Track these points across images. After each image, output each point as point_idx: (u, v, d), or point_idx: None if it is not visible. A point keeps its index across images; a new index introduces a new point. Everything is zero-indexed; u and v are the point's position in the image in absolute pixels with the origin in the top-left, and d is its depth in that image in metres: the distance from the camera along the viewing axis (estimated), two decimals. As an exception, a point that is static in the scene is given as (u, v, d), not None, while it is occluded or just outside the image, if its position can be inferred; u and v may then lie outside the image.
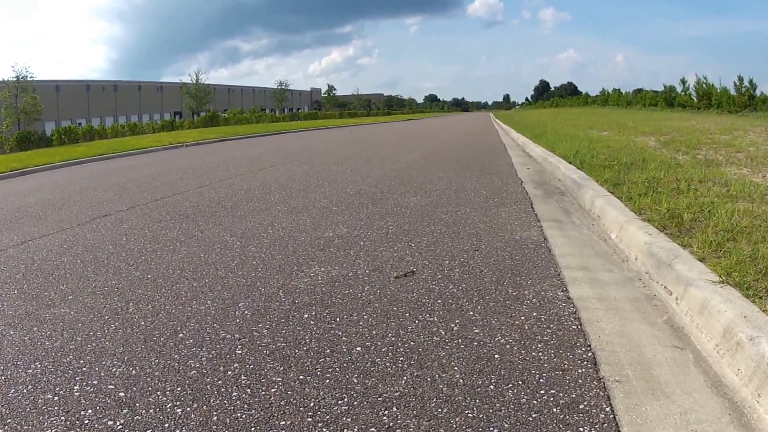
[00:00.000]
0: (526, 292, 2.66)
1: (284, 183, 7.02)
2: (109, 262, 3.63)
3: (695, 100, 25.62)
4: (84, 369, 2.08)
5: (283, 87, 71.21)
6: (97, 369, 2.07)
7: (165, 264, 3.49)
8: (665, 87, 29.80)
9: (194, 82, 51.48)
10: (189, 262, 3.51)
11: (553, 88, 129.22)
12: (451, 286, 2.79)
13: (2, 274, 3.55)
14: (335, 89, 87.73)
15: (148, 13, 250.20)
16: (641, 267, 2.91)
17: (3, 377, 2.06)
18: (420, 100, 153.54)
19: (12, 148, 22.71)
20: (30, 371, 2.09)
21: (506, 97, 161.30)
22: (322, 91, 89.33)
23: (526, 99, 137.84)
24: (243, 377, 1.94)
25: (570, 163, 6.81)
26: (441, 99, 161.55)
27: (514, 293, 2.65)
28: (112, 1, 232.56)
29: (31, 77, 35.89)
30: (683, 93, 27.35)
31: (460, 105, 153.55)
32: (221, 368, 2.02)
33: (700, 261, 2.53)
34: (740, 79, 21.71)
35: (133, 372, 2.03)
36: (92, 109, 60.86)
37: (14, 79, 34.99)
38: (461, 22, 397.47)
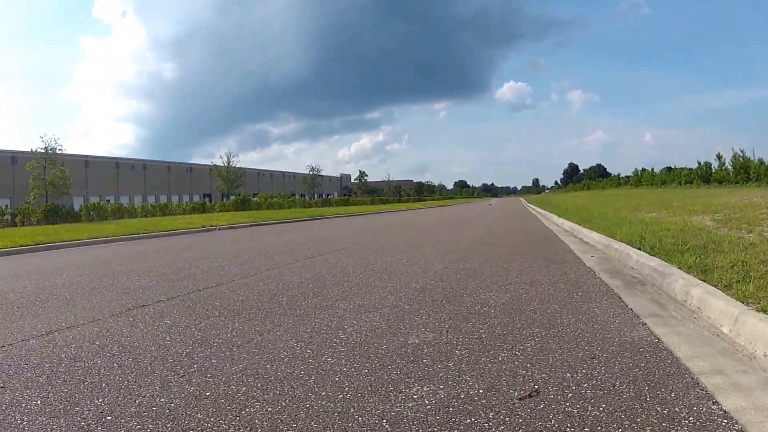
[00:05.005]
0: (677, 409, 2.30)
1: (338, 275, 6.44)
2: (154, 370, 3.06)
3: (732, 174, 25.38)
4: None
5: (314, 172, 72.45)
6: None
7: (225, 377, 2.90)
8: (700, 163, 30.12)
9: (226, 164, 52.09)
10: (255, 375, 2.92)
11: (582, 171, 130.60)
12: (589, 408, 2.30)
13: (24, 374, 3.05)
14: (366, 175, 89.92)
15: (176, 93, 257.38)
16: (776, 365, 2.60)
17: None
18: (450, 185, 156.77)
19: (39, 220, 22.79)
20: None
21: (535, 182, 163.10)
22: (353, 177, 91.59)
23: (556, 182, 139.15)
24: None
25: (639, 249, 6.53)
26: (470, 184, 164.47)
27: (664, 411, 2.26)
28: (140, 79, 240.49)
29: (60, 149, 35.14)
30: (719, 168, 27.20)
31: (489, 190, 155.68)
32: None
33: None
34: (777, 150, 21.55)
35: None
36: (121, 186, 61.81)
37: (43, 150, 34.13)
38: (489, 106, 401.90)
